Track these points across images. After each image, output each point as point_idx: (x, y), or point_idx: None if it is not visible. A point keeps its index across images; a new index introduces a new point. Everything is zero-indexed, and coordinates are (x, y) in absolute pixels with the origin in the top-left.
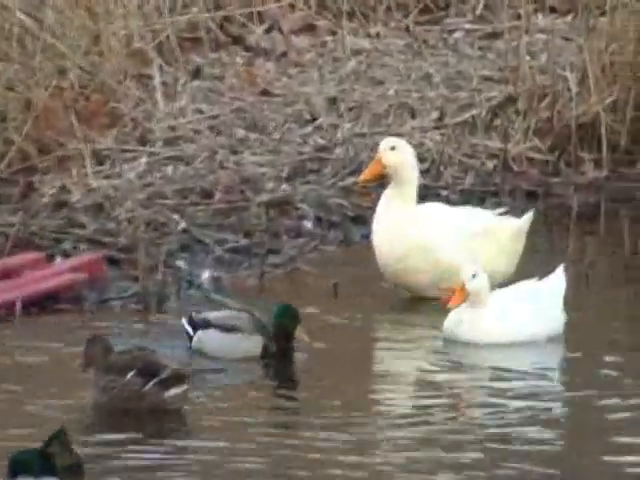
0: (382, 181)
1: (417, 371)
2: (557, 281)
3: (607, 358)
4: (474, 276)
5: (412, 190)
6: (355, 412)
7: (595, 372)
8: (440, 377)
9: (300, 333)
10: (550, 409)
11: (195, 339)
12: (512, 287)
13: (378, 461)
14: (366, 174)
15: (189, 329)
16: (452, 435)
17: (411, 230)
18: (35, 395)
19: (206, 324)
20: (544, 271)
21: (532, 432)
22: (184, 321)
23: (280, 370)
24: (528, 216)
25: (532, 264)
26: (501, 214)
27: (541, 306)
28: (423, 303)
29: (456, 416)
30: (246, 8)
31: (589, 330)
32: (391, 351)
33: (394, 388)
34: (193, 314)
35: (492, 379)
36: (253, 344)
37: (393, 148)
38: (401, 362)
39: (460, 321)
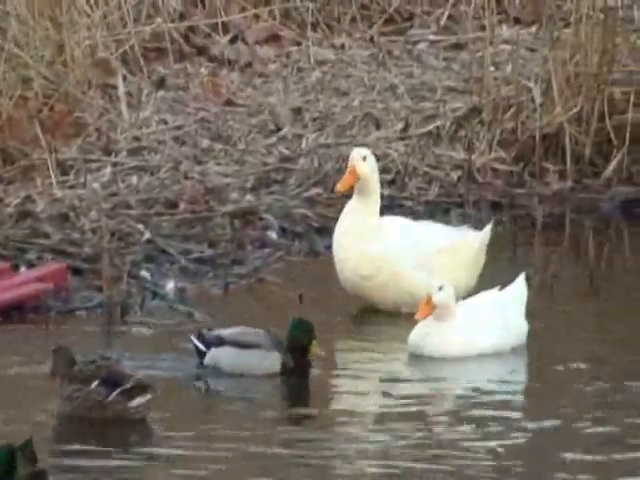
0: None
1: (376, 385)
2: (519, 290)
3: (573, 366)
4: (440, 288)
5: (376, 201)
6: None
7: (561, 381)
8: (405, 390)
9: (315, 347)
10: (515, 420)
11: (209, 356)
12: (475, 298)
13: None
14: (343, 184)
15: (201, 346)
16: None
17: (374, 248)
18: None
19: (220, 341)
20: (508, 282)
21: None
22: (193, 338)
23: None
24: (488, 228)
25: (496, 275)
26: (463, 229)
27: (506, 316)
28: (387, 315)
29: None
30: (211, 19)
31: (554, 340)
32: (356, 363)
33: (356, 402)
34: (204, 331)
35: (458, 390)
36: (272, 361)
37: (365, 158)
38: (365, 373)
39: (427, 334)
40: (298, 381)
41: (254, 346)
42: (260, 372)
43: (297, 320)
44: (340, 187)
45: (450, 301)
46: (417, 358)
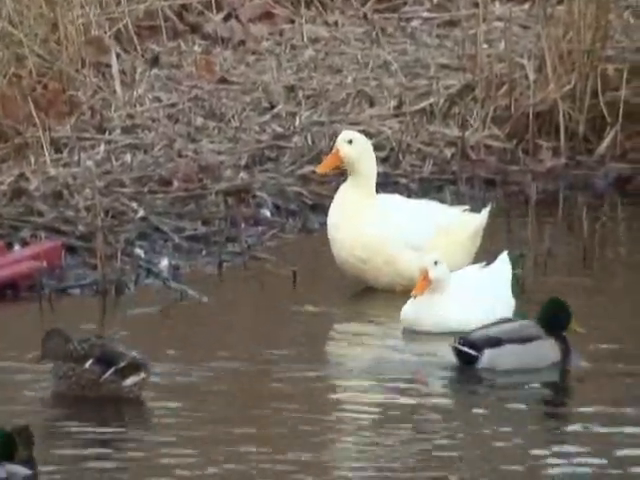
0: (341, 171)
1: (375, 362)
2: (502, 266)
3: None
4: (436, 263)
5: (370, 183)
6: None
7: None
8: (400, 369)
9: (575, 324)
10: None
11: (486, 359)
12: (461, 272)
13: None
14: (323, 166)
15: (470, 351)
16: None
17: (370, 230)
18: None
19: (495, 342)
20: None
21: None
22: (457, 345)
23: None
24: (486, 211)
25: (490, 252)
26: (460, 209)
27: (497, 291)
28: (380, 292)
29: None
30: None
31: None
32: (349, 341)
33: (349, 378)
34: (466, 335)
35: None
36: (553, 349)
37: (350, 142)
38: (359, 351)
39: (419, 309)
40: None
41: (534, 338)
42: (544, 364)
43: (555, 300)
44: (320, 168)
45: (446, 275)
46: (410, 333)
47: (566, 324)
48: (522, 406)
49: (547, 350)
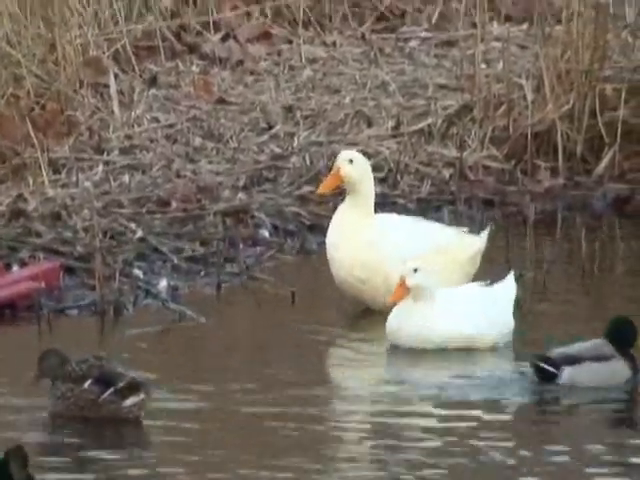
0: (339, 190)
1: (369, 384)
2: (508, 287)
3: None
4: (416, 271)
5: (368, 202)
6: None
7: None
8: (391, 389)
9: None
10: (502, 421)
11: (566, 376)
12: (459, 288)
13: None
14: (324, 187)
15: (550, 368)
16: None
17: (368, 252)
18: None
19: (574, 359)
20: (499, 279)
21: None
22: (538, 362)
23: None
24: (485, 233)
25: (488, 273)
26: (459, 230)
27: (491, 309)
28: (379, 313)
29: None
30: (202, 17)
31: (545, 335)
32: (346, 361)
33: (348, 401)
34: (549, 353)
35: (448, 389)
36: (622, 367)
37: (351, 161)
38: (358, 372)
39: (404, 319)
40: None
41: (609, 356)
42: (620, 381)
43: (622, 318)
44: (322, 189)
45: (425, 283)
46: (400, 355)
47: (633, 341)
48: (594, 422)
49: (621, 368)
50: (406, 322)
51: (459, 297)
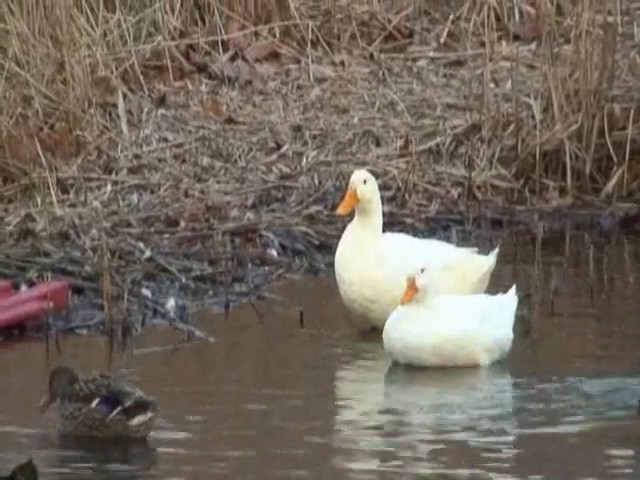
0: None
1: (377, 405)
2: (508, 299)
3: (571, 381)
4: (422, 270)
5: (377, 222)
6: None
7: (562, 396)
8: (400, 408)
9: None
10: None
11: None
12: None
13: None
14: (344, 208)
15: None
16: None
17: (377, 272)
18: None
19: None
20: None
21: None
22: None
23: None
24: (494, 253)
25: (495, 292)
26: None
27: (489, 318)
28: None
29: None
30: (210, 36)
31: (553, 355)
32: (355, 382)
33: (355, 419)
34: None
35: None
36: None
37: (365, 181)
38: (367, 394)
39: (401, 322)
40: None
41: None
42: None
43: None
44: (342, 210)
45: (431, 285)
46: (409, 376)
47: None
48: None
49: None
50: (401, 325)
51: (458, 303)
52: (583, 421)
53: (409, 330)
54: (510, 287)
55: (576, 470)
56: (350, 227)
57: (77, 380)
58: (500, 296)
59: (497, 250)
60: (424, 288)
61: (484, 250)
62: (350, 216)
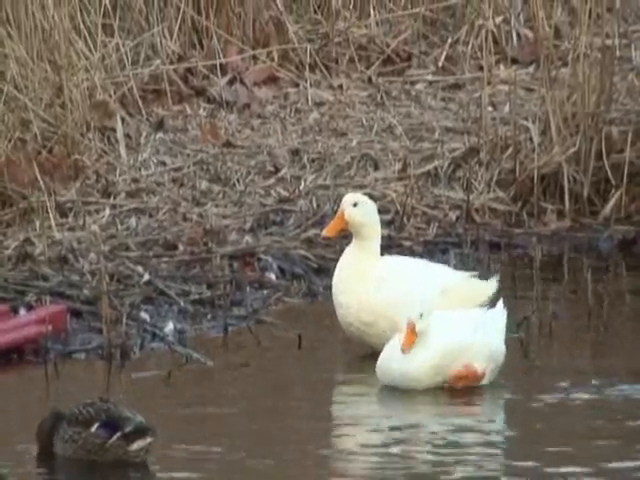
0: (346, 234)
1: (376, 427)
2: (497, 312)
3: (571, 403)
4: (421, 316)
5: (375, 245)
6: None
7: (558, 419)
8: (399, 430)
9: None
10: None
11: None
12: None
13: None
14: (329, 230)
15: None
16: None
17: (375, 296)
18: None
19: None
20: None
21: None
22: None
23: None
24: (495, 279)
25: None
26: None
27: (482, 334)
28: None
29: None
30: (209, 60)
31: (552, 377)
32: (354, 404)
33: (354, 442)
34: None
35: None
36: None
37: (355, 204)
38: (362, 417)
39: (395, 358)
40: None
41: None
42: None
43: None
44: (327, 232)
45: (428, 328)
46: (407, 401)
47: None
48: None
49: None
50: (397, 362)
51: (451, 318)
52: (577, 443)
53: (405, 364)
54: (512, 313)
55: None
56: (348, 250)
57: (62, 416)
58: (490, 310)
59: (497, 276)
60: (424, 332)
61: (482, 273)
62: (348, 239)
